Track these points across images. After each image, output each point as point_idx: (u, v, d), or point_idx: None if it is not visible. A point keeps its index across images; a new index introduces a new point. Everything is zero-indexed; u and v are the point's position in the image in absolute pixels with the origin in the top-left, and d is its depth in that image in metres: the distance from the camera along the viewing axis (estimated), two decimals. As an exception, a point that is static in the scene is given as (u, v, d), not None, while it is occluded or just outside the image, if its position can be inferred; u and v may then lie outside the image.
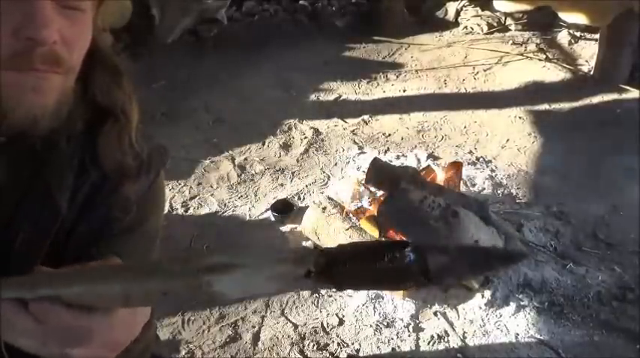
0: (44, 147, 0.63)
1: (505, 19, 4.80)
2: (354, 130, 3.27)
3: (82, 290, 0.50)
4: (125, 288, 0.51)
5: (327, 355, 1.84)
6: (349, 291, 2.05)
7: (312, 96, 3.77)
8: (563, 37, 4.49)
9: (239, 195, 2.69)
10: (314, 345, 1.87)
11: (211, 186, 2.76)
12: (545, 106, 3.49)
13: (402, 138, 3.17)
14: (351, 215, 2.29)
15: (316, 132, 3.25)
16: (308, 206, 2.44)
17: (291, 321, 1.96)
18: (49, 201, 0.64)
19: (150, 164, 0.73)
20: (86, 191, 0.67)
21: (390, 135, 3.22)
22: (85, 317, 0.51)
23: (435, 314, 1.96)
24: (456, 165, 2.45)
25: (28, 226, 0.63)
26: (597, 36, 3.94)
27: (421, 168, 2.58)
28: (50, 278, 0.52)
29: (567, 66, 4.02)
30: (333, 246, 0.48)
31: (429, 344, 1.86)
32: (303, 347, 1.87)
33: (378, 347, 1.86)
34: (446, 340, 1.87)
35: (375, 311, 1.98)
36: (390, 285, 0.46)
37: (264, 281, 0.48)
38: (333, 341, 1.88)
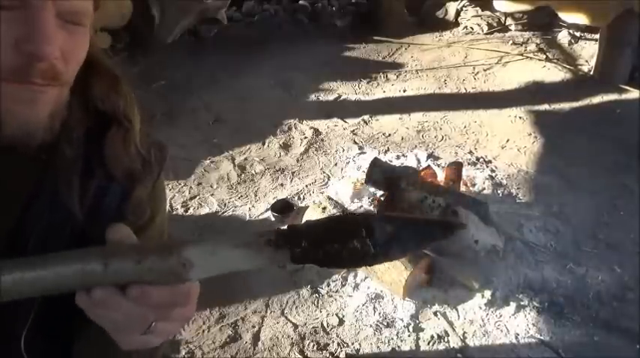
0: (46, 153, 0.63)
1: (505, 19, 4.81)
2: (354, 130, 3.27)
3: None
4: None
5: (327, 355, 1.83)
6: (349, 291, 2.05)
7: (312, 96, 3.77)
8: (563, 37, 4.50)
9: (239, 195, 2.69)
10: (314, 345, 1.86)
11: (211, 186, 2.76)
12: (545, 106, 3.49)
13: (402, 138, 3.17)
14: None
15: (316, 132, 3.25)
16: (308, 206, 2.44)
17: (291, 321, 1.96)
18: (59, 204, 0.64)
19: (152, 163, 0.74)
20: (93, 193, 0.68)
21: (390, 135, 3.22)
22: (181, 289, 0.52)
23: (435, 314, 1.96)
24: (456, 166, 2.45)
25: (39, 229, 0.64)
26: (597, 36, 3.94)
27: (421, 168, 2.58)
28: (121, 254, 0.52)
29: (567, 66, 4.02)
30: (300, 224, 0.52)
31: (429, 344, 1.86)
32: (303, 347, 1.86)
33: (378, 347, 1.86)
34: (446, 340, 1.87)
35: (375, 311, 1.97)
36: (342, 265, 0.53)
37: (232, 251, 0.51)
38: (333, 341, 1.88)
